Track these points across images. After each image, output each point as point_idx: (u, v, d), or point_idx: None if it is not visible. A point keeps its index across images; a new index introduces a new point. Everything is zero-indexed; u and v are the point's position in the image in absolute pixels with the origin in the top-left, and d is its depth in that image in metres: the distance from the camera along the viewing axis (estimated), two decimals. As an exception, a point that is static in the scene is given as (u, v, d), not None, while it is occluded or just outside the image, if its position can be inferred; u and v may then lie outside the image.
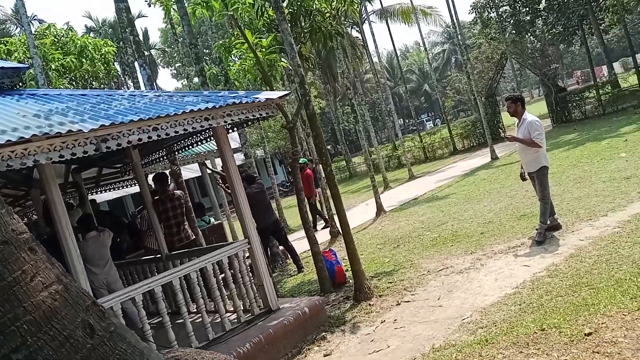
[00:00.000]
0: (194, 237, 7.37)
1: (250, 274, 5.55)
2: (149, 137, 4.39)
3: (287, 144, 17.29)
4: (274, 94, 5.31)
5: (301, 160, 12.24)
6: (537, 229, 6.52)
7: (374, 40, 39.16)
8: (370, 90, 49.81)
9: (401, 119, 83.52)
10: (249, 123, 5.51)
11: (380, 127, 72.07)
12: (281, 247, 9.59)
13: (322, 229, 13.02)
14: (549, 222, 6.56)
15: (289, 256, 9.19)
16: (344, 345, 5.01)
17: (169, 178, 7.50)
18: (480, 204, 9.99)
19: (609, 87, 21.35)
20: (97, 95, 5.39)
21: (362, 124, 21.21)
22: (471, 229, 8.10)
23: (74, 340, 2.10)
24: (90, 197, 11.55)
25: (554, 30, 23.95)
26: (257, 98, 5.19)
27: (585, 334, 3.63)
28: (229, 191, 6.74)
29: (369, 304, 5.85)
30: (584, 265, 5.02)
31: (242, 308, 5.58)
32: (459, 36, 21.40)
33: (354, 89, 20.25)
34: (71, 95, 5.53)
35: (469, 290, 5.48)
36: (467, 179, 14.59)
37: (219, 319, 5.19)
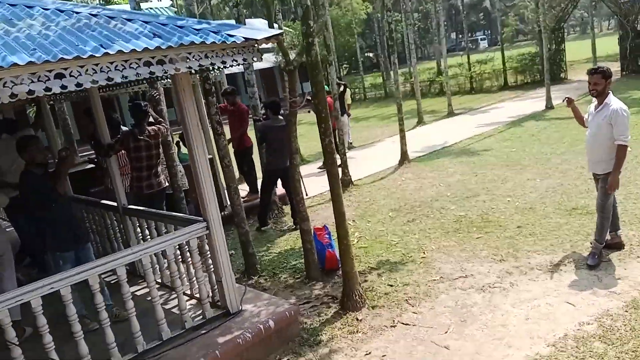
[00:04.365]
0: (166, 184, 6.13)
1: (208, 264, 4.29)
2: (47, 89, 2.92)
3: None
4: (258, 34, 3.66)
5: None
6: (591, 246, 5.02)
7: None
8: (425, -2, 45.33)
9: (454, 34, 77.67)
10: (225, 66, 3.92)
11: (429, 41, 67.30)
12: (279, 193, 8.28)
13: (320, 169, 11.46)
14: (608, 239, 5.04)
15: (289, 205, 7.86)
16: (310, 383, 3.85)
17: (147, 110, 6.04)
18: (523, 174, 8.34)
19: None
20: (13, 5, 3.82)
21: (412, 35, 18.63)
22: (506, 214, 6.60)
23: None
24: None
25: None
26: (231, 37, 3.58)
27: None
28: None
29: (357, 319, 4.60)
30: (656, 339, 3.57)
31: (189, 300, 4.44)
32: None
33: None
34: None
35: (488, 327, 4.15)
36: (513, 130, 12.67)
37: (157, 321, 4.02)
